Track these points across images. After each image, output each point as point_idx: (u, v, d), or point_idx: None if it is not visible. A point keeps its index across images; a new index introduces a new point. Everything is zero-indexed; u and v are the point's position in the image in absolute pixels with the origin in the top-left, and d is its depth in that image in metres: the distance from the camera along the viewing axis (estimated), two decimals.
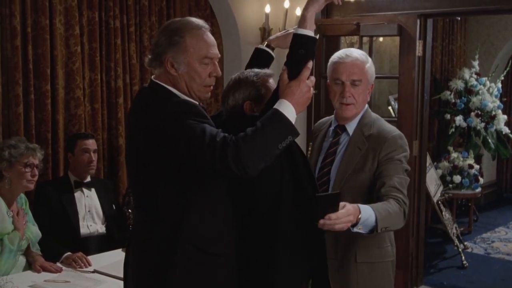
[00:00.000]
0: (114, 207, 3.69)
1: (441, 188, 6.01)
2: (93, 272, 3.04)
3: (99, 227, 3.56)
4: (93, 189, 3.61)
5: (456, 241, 5.61)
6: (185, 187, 1.97)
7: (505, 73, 7.04)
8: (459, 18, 7.19)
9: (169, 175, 1.96)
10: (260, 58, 2.66)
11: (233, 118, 2.28)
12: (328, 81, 2.51)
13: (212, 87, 2.10)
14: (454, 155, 6.36)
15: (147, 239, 2.06)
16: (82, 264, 3.10)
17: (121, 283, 2.77)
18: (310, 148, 2.66)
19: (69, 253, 3.18)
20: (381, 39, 5.83)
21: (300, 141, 2.60)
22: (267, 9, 4.52)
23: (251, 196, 2.16)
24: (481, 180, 6.40)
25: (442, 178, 6.22)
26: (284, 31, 2.61)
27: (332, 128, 2.53)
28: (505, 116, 6.67)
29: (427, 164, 5.10)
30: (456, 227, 5.89)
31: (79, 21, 3.88)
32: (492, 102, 6.58)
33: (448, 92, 6.69)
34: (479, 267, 5.45)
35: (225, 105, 2.33)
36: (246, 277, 2.17)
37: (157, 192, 2.01)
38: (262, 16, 4.58)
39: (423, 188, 4.59)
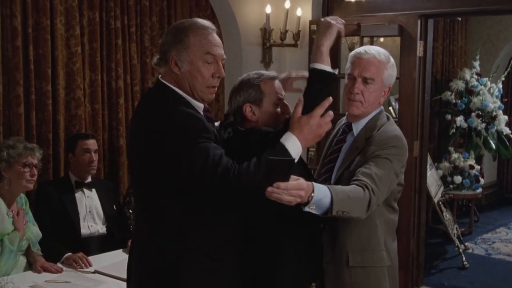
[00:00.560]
0: (114, 208, 3.69)
1: (442, 188, 6.00)
2: (93, 272, 3.04)
3: (100, 228, 3.56)
4: (93, 190, 3.61)
5: (457, 242, 5.61)
6: (186, 189, 1.97)
7: (506, 73, 7.03)
8: (460, 19, 7.18)
9: (170, 178, 1.96)
10: None
11: (238, 134, 2.26)
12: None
13: (216, 89, 2.07)
14: (454, 155, 6.35)
15: (148, 241, 2.07)
16: (83, 265, 3.10)
17: (122, 283, 2.79)
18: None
19: (69, 253, 3.18)
20: (381, 39, 5.81)
21: None
22: (268, 9, 4.52)
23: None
24: (482, 181, 6.40)
25: (443, 178, 6.21)
26: (299, 74, 2.49)
27: (341, 125, 2.49)
28: (506, 117, 6.67)
29: (428, 165, 5.10)
30: (456, 228, 5.89)
31: (80, 22, 3.88)
32: (493, 103, 6.58)
33: (449, 93, 6.69)
34: (480, 268, 5.44)
35: (230, 107, 2.33)
36: (249, 277, 2.17)
37: (157, 192, 2.01)
38: (263, 17, 4.58)
39: (424, 188, 4.58)
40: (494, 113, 6.55)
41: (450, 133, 6.63)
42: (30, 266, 3.08)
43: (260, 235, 2.19)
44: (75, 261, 3.12)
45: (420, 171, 4.44)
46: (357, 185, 2.12)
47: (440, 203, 5.77)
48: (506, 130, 6.62)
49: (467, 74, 6.66)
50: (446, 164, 6.33)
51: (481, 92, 6.59)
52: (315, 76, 2.14)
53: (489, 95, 6.62)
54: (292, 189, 1.87)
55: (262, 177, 1.85)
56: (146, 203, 2.08)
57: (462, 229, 6.23)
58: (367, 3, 4.61)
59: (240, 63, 4.70)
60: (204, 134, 1.93)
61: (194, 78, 2.01)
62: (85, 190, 3.58)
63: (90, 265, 3.12)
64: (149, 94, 2.16)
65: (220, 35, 4.73)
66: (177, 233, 1.99)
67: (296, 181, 1.90)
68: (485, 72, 7.02)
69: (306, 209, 2.00)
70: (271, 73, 2.32)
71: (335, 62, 4.84)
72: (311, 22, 4.66)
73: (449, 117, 6.73)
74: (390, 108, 6.07)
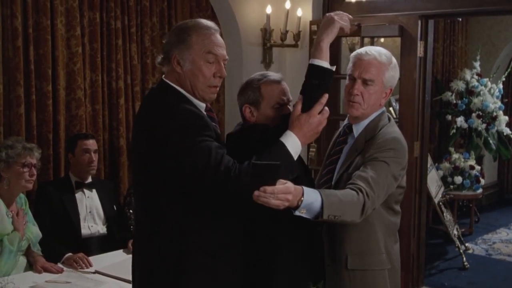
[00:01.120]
0: (115, 208, 3.69)
1: (442, 189, 6.00)
2: (94, 272, 3.04)
3: (100, 228, 3.56)
4: (94, 190, 3.61)
5: (457, 242, 5.60)
6: (186, 191, 1.97)
7: (506, 74, 7.04)
8: (460, 19, 7.18)
9: (170, 178, 1.96)
10: None
11: (244, 132, 2.30)
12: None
13: (217, 88, 2.08)
14: (455, 156, 6.35)
15: (148, 241, 2.07)
16: (83, 265, 3.10)
17: (122, 283, 2.79)
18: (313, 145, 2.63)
19: (70, 253, 3.18)
20: (382, 40, 5.82)
21: None
22: (268, 9, 4.52)
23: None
24: (482, 181, 6.40)
25: (443, 179, 6.21)
26: None
27: (343, 126, 2.47)
28: (506, 117, 6.67)
29: (428, 165, 5.10)
30: (457, 228, 5.89)
31: (80, 22, 3.88)
32: (493, 103, 6.58)
33: (449, 93, 6.69)
34: (480, 268, 5.44)
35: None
36: (248, 278, 2.17)
37: (158, 193, 2.01)
38: (263, 17, 4.58)
39: (424, 189, 4.58)
40: (495, 114, 6.56)
41: (451, 134, 6.63)
42: (31, 266, 3.08)
43: (257, 236, 2.19)
44: (75, 261, 3.12)
45: (421, 172, 4.44)
46: (351, 188, 2.10)
47: (440, 203, 5.77)
48: (507, 131, 6.62)
49: (467, 74, 6.66)
50: (446, 164, 6.33)
51: (481, 92, 6.59)
52: (313, 71, 2.13)
53: (490, 95, 6.62)
54: (279, 193, 1.86)
55: (258, 178, 1.86)
56: (146, 203, 2.08)
57: (463, 230, 6.23)
58: (368, 3, 4.61)
59: (240, 63, 4.70)
60: (206, 132, 1.94)
61: (195, 77, 2.02)
62: (85, 190, 3.58)
63: (91, 266, 3.12)
64: (152, 94, 2.17)
65: (220, 35, 4.77)
66: (177, 234, 1.99)
67: (283, 185, 1.89)
68: (485, 72, 7.02)
69: (297, 213, 1.98)
70: (275, 76, 2.30)
71: (335, 63, 4.85)
72: (311, 23, 4.66)
73: (449, 117, 6.73)
74: (391, 108, 6.07)
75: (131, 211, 3.73)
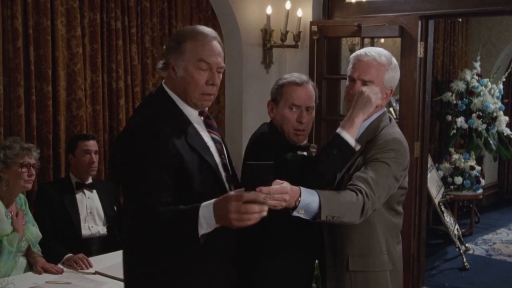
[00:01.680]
0: (115, 209, 3.69)
1: (443, 189, 6.00)
2: (94, 273, 3.04)
3: (101, 229, 3.56)
4: (94, 191, 3.61)
5: (458, 243, 5.60)
6: None
7: (506, 74, 7.04)
8: (460, 20, 7.18)
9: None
10: None
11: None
12: None
13: (212, 96, 2.07)
14: (455, 156, 6.35)
15: (128, 241, 2.13)
16: (84, 266, 3.10)
17: (123, 284, 2.78)
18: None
19: (70, 254, 3.18)
20: (382, 40, 5.82)
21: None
22: (269, 10, 4.52)
23: None
24: (483, 182, 6.40)
25: (444, 179, 6.21)
26: None
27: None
28: (507, 118, 6.67)
29: (428, 166, 5.10)
30: (457, 229, 5.89)
31: (81, 23, 3.88)
32: (494, 104, 6.58)
33: (450, 94, 6.69)
34: (481, 269, 5.44)
35: None
36: (240, 268, 2.19)
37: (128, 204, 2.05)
38: (264, 18, 4.58)
39: (424, 189, 4.58)
40: (495, 114, 6.56)
41: (451, 134, 6.63)
42: (31, 267, 3.08)
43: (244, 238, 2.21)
44: (75, 262, 3.11)
45: (421, 172, 4.44)
46: (350, 189, 2.09)
47: (440, 204, 5.77)
48: (507, 131, 6.63)
49: (467, 75, 6.66)
50: (446, 165, 6.33)
51: (481, 93, 6.59)
52: (339, 143, 2.17)
53: (490, 96, 6.62)
54: (275, 193, 1.84)
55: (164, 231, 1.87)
56: (125, 203, 2.13)
57: (463, 230, 6.23)
58: (368, 4, 4.61)
59: (240, 64, 4.70)
60: (155, 160, 1.91)
61: (188, 84, 2.02)
62: (85, 191, 3.58)
63: (91, 266, 3.11)
64: (146, 98, 2.20)
65: (220, 36, 4.77)
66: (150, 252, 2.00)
67: (280, 185, 1.88)
68: (485, 73, 7.02)
69: (295, 213, 1.98)
70: (300, 78, 2.39)
71: (335, 63, 4.86)
72: (311, 23, 4.66)
73: (449, 118, 6.73)
74: (391, 109, 6.07)
75: None
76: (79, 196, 3.55)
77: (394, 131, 2.32)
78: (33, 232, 3.15)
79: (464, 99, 6.62)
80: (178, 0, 4.53)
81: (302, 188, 1.98)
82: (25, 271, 3.06)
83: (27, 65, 3.61)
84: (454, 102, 6.66)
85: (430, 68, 4.40)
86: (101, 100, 4.05)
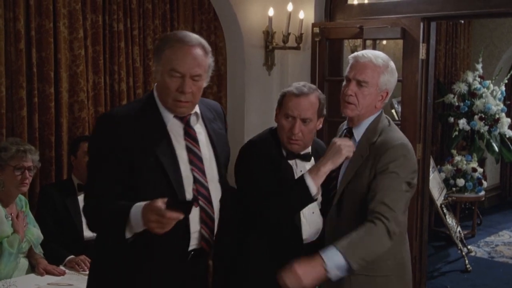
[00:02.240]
0: None
1: (445, 191, 5.99)
2: None
3: None
4: None
5: (460, 245, 5.60)
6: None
7: (508, 76, 7.02)
8: (462, 21, 7.17)
9: None
10: None
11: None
12: None
13: (186, 103, 2.09)
14: (457, 158, 6.35)
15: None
16: (85, 267, 3.10)
17: None
18: None
19: (72, 256, 3.18)
20: (384, 42, 5.82)
21: None
22: (271, 12, 4.52)
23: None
24: (485, 184, 6.39)
25: (446, 181, 6.21)
26: None
27: (342, 130, 2.50)
28: (509, 119, 6.66)
29: (430, 168, 5.09)
30: (459, 231, 5.88)
31: (83, 25, 3.89)
32: (496, 105, 6.57)
33: (452, 95, 6.68)
34: (483, 271, 5.43)
35: None
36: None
37: None
38: (265, 19, 4.58)
39: (426, 191, 4.57)
40: (497, 116, 6.54)
41: (453, 136, 6.62)
42: (33, 268, 3.08)
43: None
44: (77, 263, 3.12)
45: (423, 174, 4.43)
46: (368, 220, 2.15)
47: (442, 206, 5.77)
48: (509, 133, 6.61)
49: (469, 76, 6.65)
50: (448, 167, 6.32)
51: (484, 94, 6.58)
52: (299, 185, 2.27)
53: (492, 97, 6.61)
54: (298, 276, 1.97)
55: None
56: None
57: (465, 232, 6.22)
58: (370, 5, 4.61)
59: (242, 65, 4.71)
60: (103, 160, 2.05)
61: (162, 90, 2.10)
62: None
63: None
64: (137, 99, 2.35)
65: (222, 37, 4.78)
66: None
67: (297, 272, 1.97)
68: (488, 74, 7.01)
69: (333, 277, 2.04)
70: (301, 89, 2.42)
71: (337, 65, 4.86)
72: (313, 25, 4.66)
73: (451, 119, 6.73)
74: (393, 111, 6.07)
75: None
76: (81, 198, 3.54)
77: (398, 136, 2.35)
78: (34, 233, 3.15)
79: (466, 101, 6.61)
80: (180, 2, 4.53)
81: (323, 255, 2.04)
82: (27, 272, 3.06)
83: (30, 67, 3.61)
84: (456, 104, 6.66)
85: (432, 70, 4.39)
86: (103, 102, 4.05)
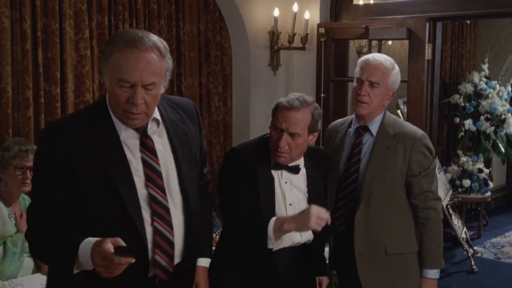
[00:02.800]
0: None
1: (450, 192, 5.97)
2: None
3: None
4: None
5: (466, 246, 5.58)
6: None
7: None
8: (468, 21, 7.15)
9: None
10: None
11: None
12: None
13: (140, 115, 1.80)
14: (463, 159, 6.32)
15: None
16: None
17: None
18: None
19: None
20: (390, 42, 5.81)
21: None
22: (276, 12, 4.52)
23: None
24: (491, 184, 6.36)
25: (451, 182, 6.18)
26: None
27: (352, 128, 2.66)
28: None
29: (436, 168, 5.07)
30: (465, 232, 5.86)
31: (89, 25, 3.90)
32: (502, 106, 6.54)
33: (458, 96, 6.66)
34: (489, 272, 5.41)
35: None
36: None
37: None
38: (271, 20, 4.58)
39: None
40: (503, 116, 6.52)
41: (459, 137, 6.59)
42: (39, 268, 3.08)
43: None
44: None
45: None
46: (422, 218, 2.58)
47: (448, 206, 5.74)
48: None
49: (475, 77, 6.63)
50: (454, 167, 6.29)
51: (490, 95, 6.56)
52: (261, 227, 2.24)
53: (498, 98, 6.58)
54: None
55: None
56: None
57: (471, 233, 6.19)
58: (375, 6, 4.61)
59: (248, 66, 4.71)
60: (47, 178, 1.81)
61: (111, 100, 1.83)
62: None
63: None
64: (87, 107, 2.12)
65: (228, 38, 4.79)
66: None
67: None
68: (494, 75, 6.98)
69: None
70: (291, 102, 2.33)
71: (342, 65, 4.86)
72: (319, 25, 4.66)
73: (457, 120, 6.70)
74: (399, 111, 6.06)
75: None
76: None
77: (413, 126, 2.68)
78: None
79: (472, 101, 6.59)
80: (186, 2, 4.54)
81: (424, 270, 2.61)
82: (33, 272, 3.06)
83: (36, 67, 3.62)
84: (462, 104, 6.63)
85: (438, 70, 4.39)
86: None
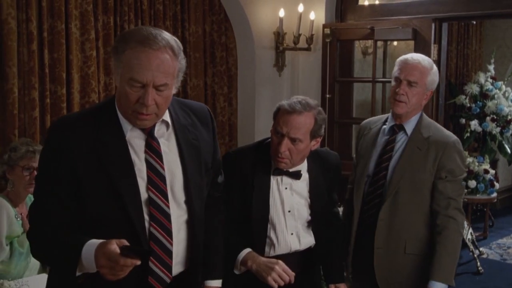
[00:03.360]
0: None
1: None
2: None
3: None
4: None
5: (471, 247, 5.56)
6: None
7: None
8: (474, 22, 7.13)
9: None
10: None
11: None
12: None
13: (150, 116, 1.76)
14: (469, 160, 6.29)
15: None
16: None
17: None
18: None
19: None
20: (395, 43, 5.80)
21: None
22: (281, 13, 4.52)
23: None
24: (497, 185, 6.34)
25: None
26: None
27: (387, 126, 2.68)
28: None
29: None
30: (471, 233, 5.84)
31: (95, 26, 3.91)
32: (508, 107, 6.52)
33: (463, 97, 6.64)
34: (495, 273, 5.39)
35: None
36: None
37: None
38: (276, 20, 4.58)
39: None
40: (509, 117, 6.50)
41: (465, 137, 6.57)
42: (45, 269, 3.09)
43: None
44: None
45: None
46: (441, 227, 2.52)
47: None
48: None
49: (481, 77, 6.61)
50: None
51: (496, 96, 6.54)
52: (234, 252, 2.22)
53: (504, 99, 6.56)
54: None
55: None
56: None
57: (477, 234, 6.18)
58: (381, 6, 4.60)
59: (253, 66, 4.71)
60: (51, 177, 1.77)
61: (121, 97, 1.78)
62: None
63: None
64: (95, 106, 2.03)
65: (233, 38, 4.79)
66: None
67: None
68: (500, 75, 6.96)
69: None
70: (294, 106, 2.25)
71: (348, 66, 4.85)
72: (324, 26, 4.65)
73: (463, 121, 6.69)
74: None
75: None
76: None
77: (446, 130, 2.68)
78: None
79: (478, 102, 6.57)
80: (191, 3, 4.55)
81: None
82: (39, 272, 3.07)
83: (42, 68, 3.64)
84: (468, 105, 6.62)
85: (443, 71, 4.38)
86: None
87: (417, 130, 2.61)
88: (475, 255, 5.48)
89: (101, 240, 1.65)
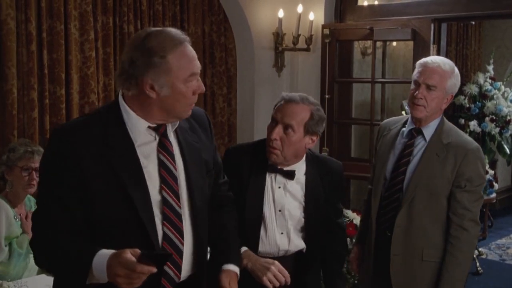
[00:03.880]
0: None
1: None
2: None
3: None
4: None
5: None
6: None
7: None
8: (473, 22, 7.14)
9: None
10: None
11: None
12: None
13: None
14: None
15: None
16: None
17: None
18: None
19: None
20: (394, 43, 5.80)
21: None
22: (280, 13, 4.52)
23: None
24: (496, 186, 6.34)
25: None
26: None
27: (406, 129, 2.63)
28: None
29: None
30: None
31: (94, 26, 3.91)
32: (507, 107, 6.52)
33: (462, 97, 6.64)
34: (494, 274, 5.40)
35: None
36: None
37: None
38: (275, 21, 4.58)
39: None
40: (508, 118, 6.50)
41: None
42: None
43: None
44: None
45: None
46: (451, 238, 2.49)
47: None
48: None
49: (480, 78, 6.61)
50: None
51: (495, 96, 6.54)
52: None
53: (503, 99, 6.56)
54: None
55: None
56: None
57: None
58: (380, 7, 4.61)
59: (252, 67, 4.71)
60: (56, 183, 1.74)
61: (176, 101, 1.78)
62: None
63: None
64: (97, 111, 1.94)
65: (232, 39, 4.79)
66: None
67: None
68: (499, 76, 6.96)
69: None
70: (293, 96, 2.31)
71: (347, 66, 4.85)
72: (323, 26, 4.65)
73: (462, 121, 6.68)
74: (403, 112, 6.04)
75: None
76: None
77: (467, 136, 2.63)
78: None
79: (477, 102, 6.57)
80: (190, 3, 4.55)
81: None
82: (38, 273, 3.07)
83: (41, 68, 3.64)
84: (467, 105, 6.62)
85: None
86: None
87: (436, 135, 2.56)
88: (475, 256, 5.48)
89: (112, 251, 1.64)
